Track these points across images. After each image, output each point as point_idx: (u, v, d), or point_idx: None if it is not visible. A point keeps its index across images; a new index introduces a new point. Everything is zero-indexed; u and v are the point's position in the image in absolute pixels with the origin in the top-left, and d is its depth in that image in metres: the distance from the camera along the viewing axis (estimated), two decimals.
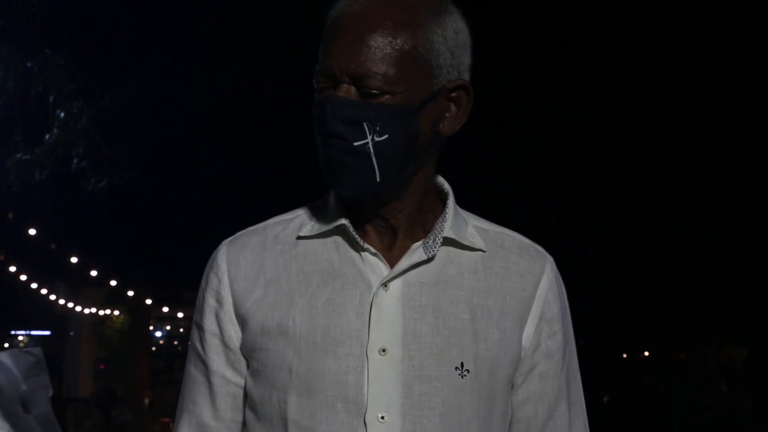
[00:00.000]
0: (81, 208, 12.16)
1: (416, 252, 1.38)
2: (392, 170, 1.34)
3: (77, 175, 9.01)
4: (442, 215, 1.42)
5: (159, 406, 14.86)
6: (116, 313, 19.66)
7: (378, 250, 1.38)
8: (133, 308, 19.75)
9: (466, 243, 1.41)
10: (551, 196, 10.34)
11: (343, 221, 1.39)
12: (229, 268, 1.43)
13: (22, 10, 8.14)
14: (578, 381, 1.51)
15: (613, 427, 12.08)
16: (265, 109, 9.19)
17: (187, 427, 1.46)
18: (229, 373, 1.43)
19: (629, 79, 9.53)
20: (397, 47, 1.32)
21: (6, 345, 20.45)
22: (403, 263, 1.37)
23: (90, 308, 19.46)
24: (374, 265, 1.38)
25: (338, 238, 1.41)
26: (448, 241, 1.40)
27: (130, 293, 19.13)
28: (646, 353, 19.92)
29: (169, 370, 21.81)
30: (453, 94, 1.39)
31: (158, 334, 24.53)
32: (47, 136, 8.71)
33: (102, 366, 19.55)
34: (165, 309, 22.98)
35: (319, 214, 1.44)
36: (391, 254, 1.39)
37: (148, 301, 20.46)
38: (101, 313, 19.53)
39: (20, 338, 24.14)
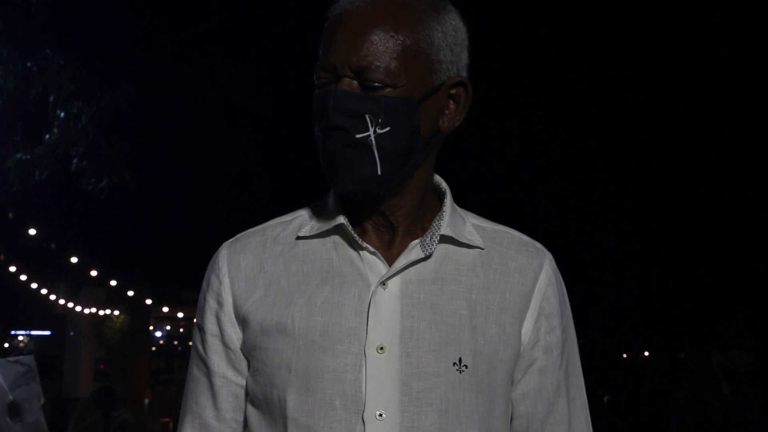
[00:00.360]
0: (81, 208, 12.17)
1: (414, 250, 1.39)
2: (393, 164, 1.34)
3: (77, 175, 9.01)
4: (440, 213, 1.43)
5: (159, 406, 14.84)
6: (116, 313, 19.66)
7: (377, 249, 1.39)
8: (133, 308, 19.75)
9: (463, 240, 1.42)
10: (552, 196, 10.34)
11: (342, 220, 1.40)
12: (230, 270, 1.44)
13: (22, 10, 8.14)
14: (579, 377, 1.51)
15: (613, 427, 12.08)
16: (265, 109, 9.19)
17: (191, 427, 1.47)
18: (231, 374, 1.44)
19: (631, 80, 9.53)
20: (398, 41, 1.33)
21: (6, 345, 20.47)
22: (401, 261, 1.38)
23: (90, 308, 19.45)
24: (373, 263, 1.39)
25: (337, 238, 1.42)
26: (445, 239, 1.41)
27: (130, 293, 19.13)
28: (646, 353, 19.92)
29: (169, 370, 21.82)
30: (452, 91, 1.40)
31: (158, 334, 24.53)
32: (47, 136, 8.71)
33: (102, 366, 19.55)
34: (165, 309, 22.99)
35: (318, 214, 1.46)
36: (390, 252, 1.40)
37: (148, 301, 20.45)
38: (101, 313, 19.53)
39: (20, 338, 24.16)
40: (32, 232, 12.70)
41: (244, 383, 1.43)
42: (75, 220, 13.82)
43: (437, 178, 1.48)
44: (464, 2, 1.52)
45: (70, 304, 19.58)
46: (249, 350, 1.41)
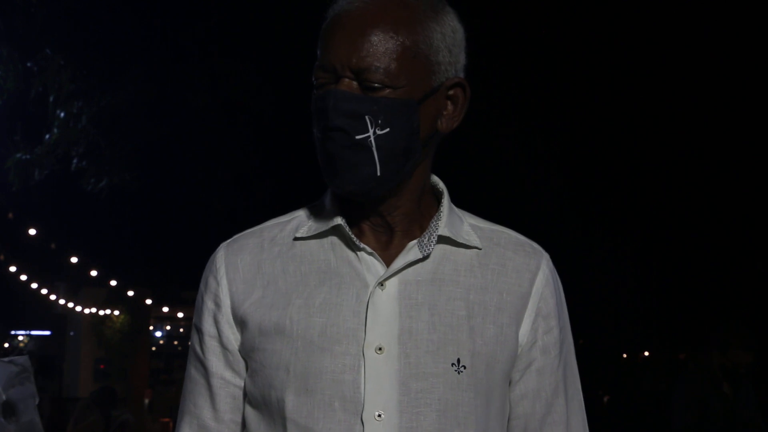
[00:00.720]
0: (81, 208, 12.17)
1: (411, 250, 1.39)
2: (393, 165, 1.34)
3: (77, 175, 9.01)
4: (437, 213, 1.43)
5: (159, 406, 14.83)
6: (116, 313, 19.65)
7: (374, 250, 1.39)
8: (133, 308, 19.73)
9: (461, 241, 1.42)
10: (553, 196, 10.34)
11: (339, 221, 1.40)
12: (227, 271, 1.44)
13: (22, 10, 8.14)
14: (576, 376, 1.51)
15: (613, 427, 12.07)
16: (265, 109, 9.19)
17: (189, 428, 1.47)
18: (228, 375, 1.44)
19: (629, 80, 9.53)
20: (398, 42, 1.33)
21: (6, 345, 20.46)
22: (399, 262, 1.38)
23: (90, 308, 19.44)
24: (370, 264, 1.39)
25: (334, 239, 1.42)
26: (443, 239, 1.41)
27: (130, 293, 19.12)
28: (646, 353, 19.92)
29: (169, 370, 21.80)
30: (451, 92, 1.40)
31: (158, 334, 24.52)
32: (47, 136, 8.71)
33: (102, 366, 19.54)
34: (165, 309, 22.98)
35: (315, 215, 1.46)
36: (388, 253, 1.40)
37: (148, 301, 20.45)
38: (101, 313, 19.51)
39: (20, 338, 24.15)
40: (32, 232, 12.69)
41: (242, 384, 1.43)
42: (75, 220, 13.83)
43: (434, 178, 1.48)
44: (463, 2, 1.52)
45: (70, 304, 19.57)
46: (247, 351, 1.41)
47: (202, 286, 1.47)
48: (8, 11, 8.14)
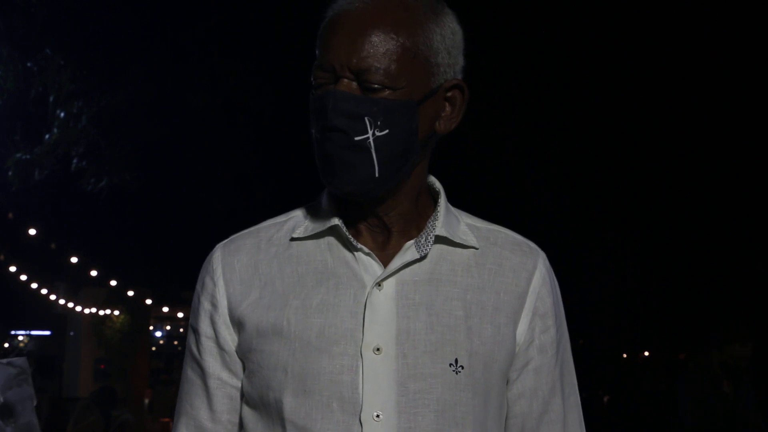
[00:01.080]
0: (81, 208, 12.16)
1: (409, 251, 1.39)
2: (391, 166, 1.34)
3: (77, 175, 9.01)
4: (434, 213, 1.43)
5: (159, 406, 14.82)
6: (116, 313, 19.64)
7: (371, 250, 1.39)
8: (133, 308, 19.72)
9: (458, 240, 1.42)
10: (553, 196, 10.33)
11: (336, 222, 1.40)
12: (224, 271, 1.44)
13: (22, 10, 8.14)
14: (573, 375, 1.51)
15: (613, 427, 12.07)
16: (265, 109, 9.18)
17: (185, 429, 1.47)
18: (225, 375, 1.44)
19: (630, 80, 9.53)
20: (398, 43, 1.33)
21: (6, 345, 20.45)
22: (396, 262, 1.38)
23: (90, 308, 19.43)
24: (368, 264, 1.39)
25: (331, 239, 1.42)
26: (440, 239, 1.41)
27: (130, 293, 19.10)
28: (646, 353, 19.93)
29: (169, 370, 21.78)
30: (449, 94, 1.40)
31: (158, 334, 24.50)
32: (47, 136, 8.71)
33: (102, 366, 19.53)
34: (165, 309, 22.96)
35: (312, 215, 1.45)
36: (385, 253, 1.40)
37: (148, 301, 20.43)
38: (101, 313, 19.50)
39: (20, 338, 24.14)
40: (32, 232, 12.69)
41: (239, 385, 1.43)
42: (75, 220, 13.82)
43: (431, 178, 1.48)
44: (462, 2, 1.52)
45: (70, 304, 19.56)
46: (244, 352, 1.41)
47: (198, 286, 1.47)
48: (8, 11, 8.14)
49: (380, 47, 1.32)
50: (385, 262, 1.39)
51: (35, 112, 8.75)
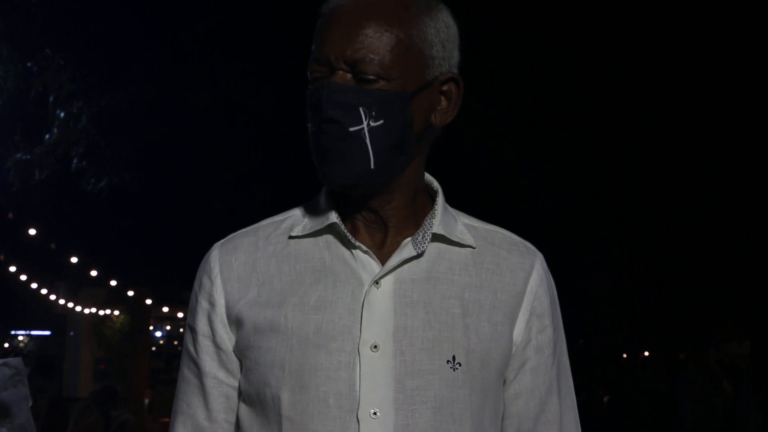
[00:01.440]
0: (81, 208, 12.16)
1: (406, 248, 1.39)
2: (386, 158, 1.35)
3: (77, 175, 9.01)
4: (432, 212, 1.44)
5: (159, 406, 14.82)
6: (116, 313, 19.64)
7: (369, 248, 1.40)
8: (133, 308, 19.72)
9: (455, 239, 1.43)
10: (552, 195, 10.33)
11: (334, 219, 1.40)
12: (222, 270, 1.44)
13: (22, 10, 8.14)
14: (569, 376, 1.52)
15: (613, 427, 12.08)
16: (265, 109, 9.18)
17: (182, 428, 1.47)
18: (222, 374, 1.44)
19: (628, 79, 9.52)
20: (392, 35, 1.35)
21: (6, 345, 20.45)
22: (394, 260, 1.38)
23: (90, 308, 19.43)
24: (366, 262, 1.39)
25: (329, 237, 1.42)
26: (437, 238, 1.42)
27: (130, 293, 19.10)
28: (646, 353, 19.93)
29: (169, 370, 21.78)
30: (444, 87, 1.41)
31: (158, 334, 24.50)
32: (47, 136, 8.71)
33: (102, 366, 19.53)
34: (165, 309, 22.95)
35: (310, 213, 1.46)
36: (383, 251, 1.41)
37: (148, 301, 20.43)
38: (101, 313, 19.50)
39: (20, 338, 24.13)
40: (32, 232, 12.69)
41: (236, 384, 1.43)
42: (75, 220, 13.81)
43: (429, 177, 1.48)
44: (460, 0, 1.52)
45: (70, 304, 19.56)
46: (242, 350, 1.41)
47: (196, 285, 1.47)
48: (8, 11, 8.14)
49: (374, 39, 1.34)
50: (382, 260, 1.39)
51: (35, 112, 8.75)
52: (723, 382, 5.33)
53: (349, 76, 1.34)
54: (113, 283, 18.16)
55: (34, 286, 17.36)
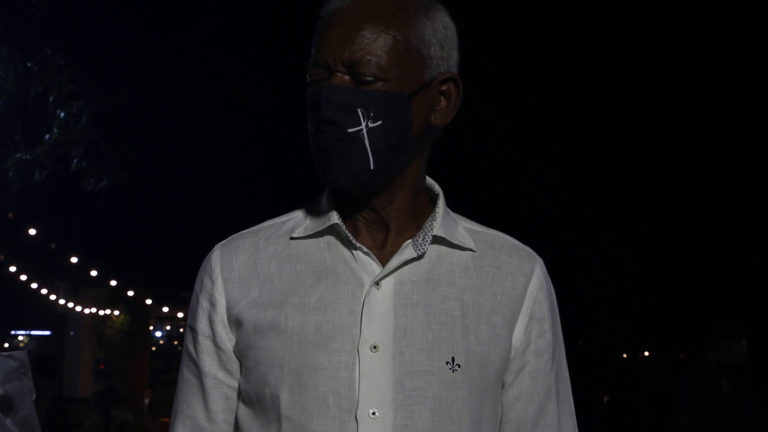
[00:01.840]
0: (81, 208, 12.16)
1: (407, 249, 1.40)
2: (385, 158, 1.36)
3: (77, 175, 9.01)
4: (432, 214, 1.44)
5: (159, 406, 14.84)
6: (116, 313, 19.65)
7: (370, 249, 1.41)
8: (133, 308, 19.74)
9: (455, 242, 1.43)
10: (551, 196, 10.33)
11: (336, 220, 1.41)
12: (223, 271, 1.44)
13: (22, 10, 8.14)
14: (567, 381, 1.52)
15: (613, 427, 12.09)
16: (265, 109, 9.18)
17: (182, 428, 1.48)
18: (222, 375, 1.44)
19: (628, 79, 9.52)
20: (389, 36, 1.36)
21: (6, 345, 20.44)
22: (394, 261, 1.39)
23: (90, 308, 19.44)
24: (366, 263, 1.40)
25: (331, 238, 1.43)
26: (438, 240, 1.42)
27: (130, 293, 19.11)
28: (646, 353, 19.91)
29: (169, 370, 21.79)
30: (443, 87, 1.42)
31: (158, 334, 24.49)
32: (47, 136, 8.71)
33: (102, 366, 19.53)
34: (165, 309, 22.96)
35: (311, 215, 1.47)
36: (383, 253, 1.41)
37: (148, 301, 20.44)
38: (101, 313, 19.51)
39: (20, 338, 24.13)
40: (32, 232, 12.69)
41: (236, 385, 1.44)
42: (75, 220, 13.81)
43: (430, 180, 1.49)
44: (459, 0, 1.53)
45: (70, 304, 19.56)
46: (242, 350, 1.41)
47: (197, 286, 1.47)
48: (8, 11, 8.14)
49: (371, 40, 1.35)
50: (383, 261, 1.40)
51: (35, 112, 8.75)
52: (722, 382, 5.34)
53: (347, 77, 1.35)
54: (113, 283, 18.17)
55: (34, 286, 17.37)
